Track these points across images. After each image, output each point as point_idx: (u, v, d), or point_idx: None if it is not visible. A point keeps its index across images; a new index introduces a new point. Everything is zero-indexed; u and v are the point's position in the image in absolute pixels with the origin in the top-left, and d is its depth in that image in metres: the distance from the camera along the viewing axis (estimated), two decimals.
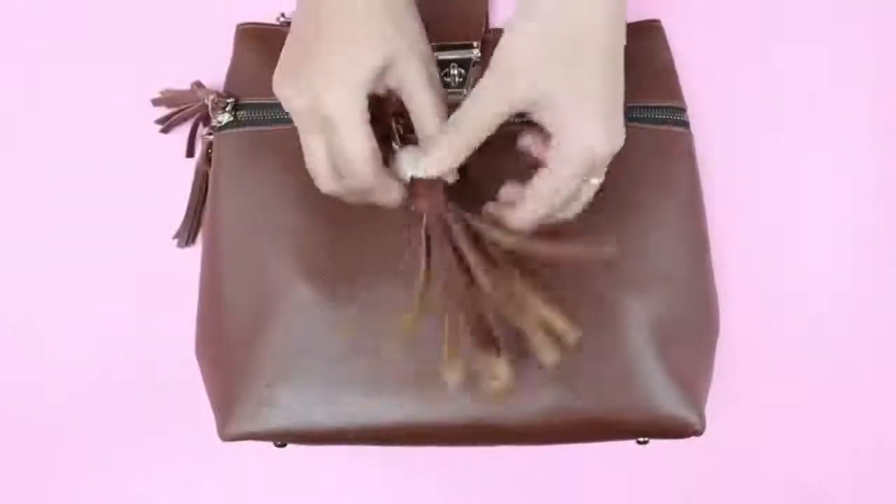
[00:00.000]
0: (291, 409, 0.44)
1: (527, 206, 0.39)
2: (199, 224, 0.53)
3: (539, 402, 0.44)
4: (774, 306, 0.55)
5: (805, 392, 0.54)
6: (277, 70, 0.40)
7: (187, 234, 0.52)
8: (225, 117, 0.49)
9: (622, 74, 0.40)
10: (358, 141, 0.37)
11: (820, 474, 0.54)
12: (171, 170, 0.54)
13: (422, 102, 0.40)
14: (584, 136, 0.37)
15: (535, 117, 0.39)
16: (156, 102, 0.53)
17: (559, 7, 0.38)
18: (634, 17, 0.54)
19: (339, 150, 0.38)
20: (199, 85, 0.51)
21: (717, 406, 0.49)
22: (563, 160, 0.38)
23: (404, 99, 0.40)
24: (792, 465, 0.54)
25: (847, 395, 0.54)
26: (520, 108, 0.38)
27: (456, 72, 0.50)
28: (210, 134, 0.50)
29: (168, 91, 0.52)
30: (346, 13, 0.38)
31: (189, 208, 0.52)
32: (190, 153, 0.53)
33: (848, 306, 0.55)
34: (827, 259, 0.55)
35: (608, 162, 0.40)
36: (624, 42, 0.40)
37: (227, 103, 0.49)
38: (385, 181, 0.39)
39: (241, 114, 0.49)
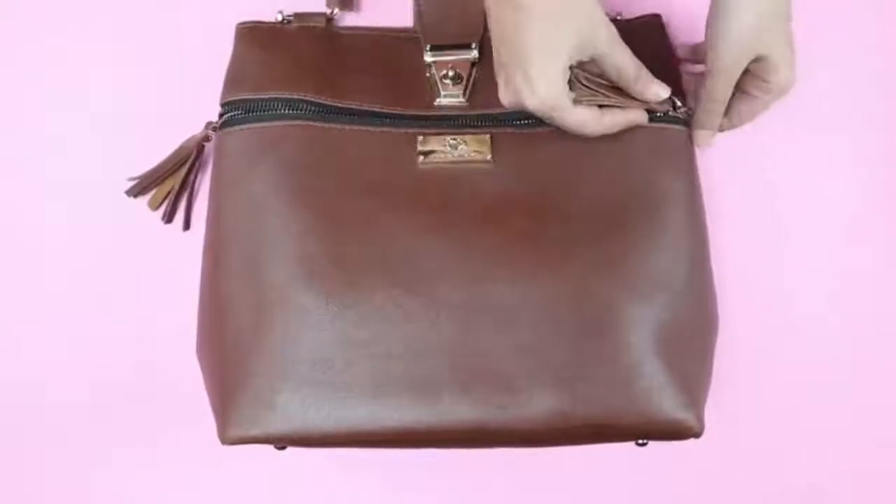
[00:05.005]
0: (291, 413, 0.44)
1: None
2: (189, 206, 0.53)
3: (540, 406, 0.44)
4: (774, 307, 0.55)
5: (804, 393, 0.54)
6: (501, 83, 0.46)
7: (141, 187, 0.53)
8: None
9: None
10: (576, 114, 0.45)
11: (820, 474, 0.54)
12: None
13: (618, 62, 0.46)
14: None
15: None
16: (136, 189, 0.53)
17: None
18: (635, 13, 0.54)
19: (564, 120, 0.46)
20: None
21: (716, 407, 0.49)
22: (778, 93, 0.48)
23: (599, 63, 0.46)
24: (791, 466, 0.54)
25: (847, 395, 0.54)
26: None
27: (453, 73, 0.50)
28: (214, 130, 0.50)
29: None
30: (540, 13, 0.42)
31: (156, 171, 0.52)
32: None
33: (848, 307, 0.55)
34: (827, 260, 0.55)
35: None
36: None
37: (223, 108, 0.50)
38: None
39: (240, 114, 0.49)
